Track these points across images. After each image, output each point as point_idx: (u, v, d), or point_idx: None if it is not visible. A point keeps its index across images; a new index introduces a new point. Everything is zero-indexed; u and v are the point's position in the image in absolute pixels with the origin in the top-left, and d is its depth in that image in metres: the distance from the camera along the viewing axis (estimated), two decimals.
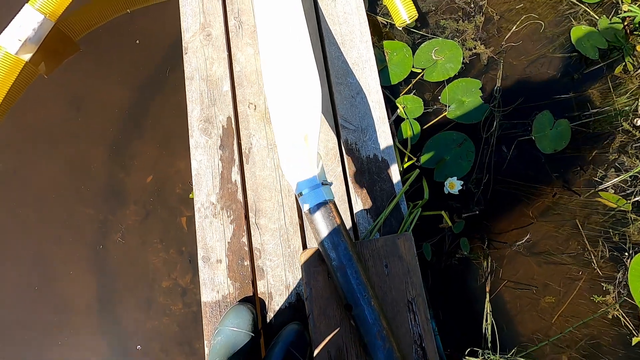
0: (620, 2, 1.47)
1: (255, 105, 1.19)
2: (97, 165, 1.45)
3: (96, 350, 1.30)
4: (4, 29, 1.25)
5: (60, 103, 1.51)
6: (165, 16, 1.53)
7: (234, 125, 1.18)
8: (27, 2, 1.29)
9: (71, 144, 1.47)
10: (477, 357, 1.10)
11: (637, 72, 1.41)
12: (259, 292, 1.06)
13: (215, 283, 1.06)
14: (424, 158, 1.31)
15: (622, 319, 1.21)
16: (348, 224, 1.10)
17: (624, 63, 1.42)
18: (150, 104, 1.49)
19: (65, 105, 1.51)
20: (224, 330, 0.96)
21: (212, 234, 1.09)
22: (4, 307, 1.34)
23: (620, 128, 1.37)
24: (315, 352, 0.77)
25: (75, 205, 1.42)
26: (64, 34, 1.41)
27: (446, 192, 1.26)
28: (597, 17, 1.46)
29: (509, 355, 1.00)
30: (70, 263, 1.37)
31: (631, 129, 1.36)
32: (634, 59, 1.43)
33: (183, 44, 1.26)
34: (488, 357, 1.04)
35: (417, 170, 1.19)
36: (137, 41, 1.54)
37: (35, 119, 1.50)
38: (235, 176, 1.13)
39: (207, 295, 1.05)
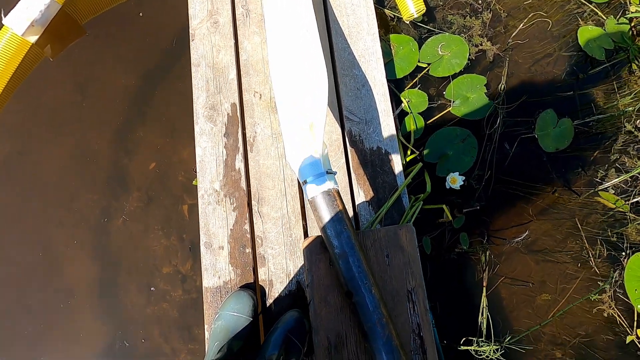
0: (628, 3, 1.47)
1: (260, 94, 1.19)
2: (101, 150, 1.45)
3: (96, 334, 1.31)
4: (10, 10, 1.25)
5: (65, 87, 1.51)
6: (172, 2, 1.52)
7: (239, 114, 1.18)
8: None
9: (76, 128, 1.47)
10: (471, 345, 1.11)
11: None
12: (259, 279, 1.07)
13: (216, 269, 1.07)
14: (426, 152, 1.32)
15: (617, 317, 1.22)
16: (350, 214, 1.11)
17: (629, 64, 1.42)
18: (154, 92, 1.49)
19: (71, 90, 1.51)
20: (225, 314, 0.97)
21: (215, 221, 1.10)
22: (6, 287, 1.36)
23: (622, 129, 1.37)
24: (316, 338, 0.78)
25: (78, 190, 1.42)
26: (71, 17, 1.41)
27: (448, 187, 1.27)
28: (605, 17, 1.46)
29: (502, 342, 1.02)
30: (72, 246, 1.38)
31: (634, 130, 1.36)
32: (639, 60, 1.43)
33: (190, 31, 1.26)
34: (482, 345, 1.06)
35: (420, 164, 1.19)
36: (141, 13, 1.53)
37: (41, 103, 1.50)
38: (239, 164, 1.14)
39: (209, 280, 1.06)
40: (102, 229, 1.39)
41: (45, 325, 1.32)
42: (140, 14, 1.54)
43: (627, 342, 1.20)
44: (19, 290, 1.35)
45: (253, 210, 1.11)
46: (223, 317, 0.97)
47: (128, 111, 1.48)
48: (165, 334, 1.32)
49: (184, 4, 1.31)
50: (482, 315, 1.21)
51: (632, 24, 1.44)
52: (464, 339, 1.15)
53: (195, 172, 1.19)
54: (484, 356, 1.11)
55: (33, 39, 1.31)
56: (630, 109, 1.35)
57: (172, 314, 1.33)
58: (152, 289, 1.33)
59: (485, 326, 1.20)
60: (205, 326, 1.04)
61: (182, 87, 1.45)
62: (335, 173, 0.81)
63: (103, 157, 1.45)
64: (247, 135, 1.17)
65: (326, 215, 0.76)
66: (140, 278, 1.36)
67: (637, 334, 1.19)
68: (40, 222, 1.40)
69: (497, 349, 1.06)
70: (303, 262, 1.05)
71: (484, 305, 1.22)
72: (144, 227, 1.40)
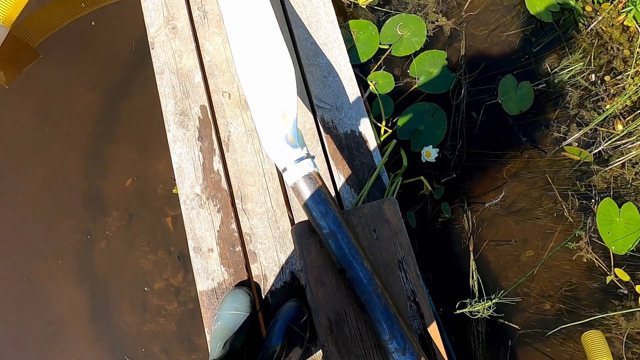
0: None
1: (229, 94, 1.19)
2: (72, 174, 1.41)
3: None
4: None
5: (26, 114, 1.46)
6: (127, 14, 1.49)
7: (210, 116, 1.18)
8: None
9: (43, 155, 1.43)
10: (465, 308, 1.16)
11: (587, 31, 1.50)
12: (253, 275, 1.07)
13: (209, 272, 1.07)
14: (399, 130, 1.35)
15: (595, 261, 1.30)
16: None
17: (575, 23, 1.50)
18: (119, 106, 1.46)
19: (32, 116, 1.46)
20: (223, 314, 0.97)
21: (201, 225, 1.10)
22: None
23: (577, 85, 1.45)
24: (316, 319, 0.79)
25: (55, 218, 1.38)
26: (21, 40, 1.36)
27: (424, 160, 1.31)
28: None
29: (494, 298, 1.07)
30: (57, 277, 1.34)
31: (587, 85, 1.45)
32: (584, 19, 1.51)
33: (149, 39, 1.24)
34: (475, 305, 1.10)
35: (394, 141, 1.23)
36: (93, 22, 1.50)
37: (2, 134, 1.44)
38: (217, 165, 1.14)
39: (203, 284, 1.06)
40: (85, 254, 1.36)
41: (41, 358, 1.28)
42: (93, 23, 1.50)
43: (607, 282, 1.28)
44: (7, 329, 1.30)
45: (237, 209, 1.11)
46: (222, 317, 0.97)
47: (95, 130, 1.45)
48: (167, 349, 1.31)
49: (138, 12, 1.29)
50: (473, 278, 1.26)
51: None
52: (458, 302, 1.20)
53: (174, 180, 1.18)
54: (478, 315, 1.15)
55: None
56: (581, 64, 1.43)
57: (171, 328, 1.32)
58: (145, 289, 1.31)
59: (477, 289, 1.25)
60: (206, 329, 1.04)
61: (147, 97, 1.42)
62: (313, 157, 0.82)
63: (76, 181, 1.41)
64: (221, 135, 1.16)
65: (310, 199, 0.78)
66: (132, 297, 1.33)
67: (615, 274, 1.27)
68: (20, 257, 1.35)
69: (489, 307, 1.10)
70: (293, 251, 1.06)
71: (473, 269, 1.27)
72: (129, 245, 1.37)
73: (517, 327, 1.24)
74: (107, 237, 1.37)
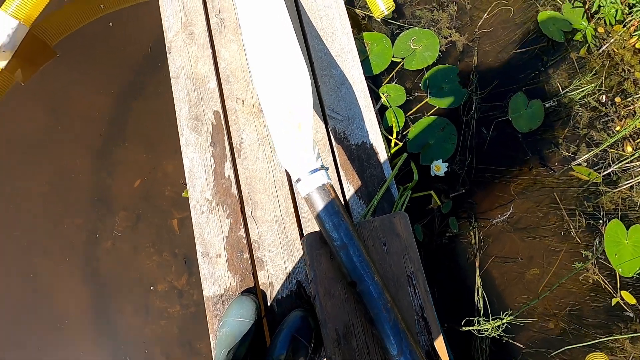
0: None
1: (243, 100, 1.20)
2: (82, 173, 1.42)
3: None
4: None
5: (39, 112, 1.47)
6: (144, 18, 1.52)
7: (223, 122, 1.19)
8: None
9: (53, 154, 1.44)
10: (472, 325, 1.15)
11: (599, 52, 1.51)
12: (260, 282, 1.07)
13: (216, 277, 1.07)
14: (409, 143, 1.36)
15: (602, 282, 1.29)
16: None
17: (587, 44, 1.51)
18: (132, 108, 1.48)
19: (45, 114, 1.47)
20: (229, 321, 0.97)
21: (210, 230, 1.10)
22: None
23: (588, 105, 1.46)
24: (324, 330, 0.79)
25: (62, 216, 1.39)
26: (40, 39, 1.38)
27: (432, 174, 1.31)
28: (561, 2, 1.55)
29: (503, 318, 1.06)
30: (62, 275, 1.35)
31: (598, 105, 1.45)
32: (596, 40, 1.53)
33: (166, 44, 1.26)
34: (484, 323, 1.10)
35: (405, 154, 1.23)
36: (110, 24, 1.52)
37: (15, 131, 1.46)
38: (228, 171, 1.15)
39: (209, 289, 1.06)
40: (90, 254, 1.36)
41: (41, 356, 1.27)
42: (110, 24, 1.52)
43: (612, 304, 1.27)
44: (9, 326, 1.30)
45: (247, 216, 1.11)
46: (227, 324, 0.97)
47: (106, 130, 1.46)
48: (167, 352, 1.30)
49: (154, 15, 1.31)
50: (478, 295, 1.26)
51: (586, 7, 1.54)
52: (464, 320, 1.19)
53: (184, 183, 1.19)
54: (485, 334, 1.15)
55: (2, 64, 1.28)
56: (592, 85, 1.44)
57: (172, 331, 1.31)
58: (151, 287, 1.32)
59: (482, 305, 1.24)
60: (210, 335, 1.03)
61: (160, 100, 1.44)
62: (327, 168, 0.83)
63: (85, 180, 1.42)
64: (233, 142, 1.17)
65: (323, 210, 0.78)
66: (135, 298, 1.33)
67: (621, 296, 1.27)
68: (25, 254, 1.36)
69: (498, 326, 1.10)
70: (302, 261, 1.06)
71: (479, 285, 1.27)
72: (134, 246, 1.37)
73: (521, 345, 1.23)
74: (113, 237, 1.37)
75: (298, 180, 0.81)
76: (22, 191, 1.41)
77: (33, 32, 1.33)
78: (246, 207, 1.12)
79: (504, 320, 1.02)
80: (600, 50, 1.51)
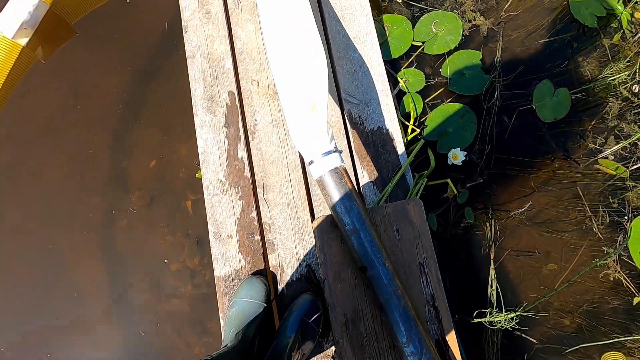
0: None
1: (258, 82, 1.19)
2: (99, 153, 1.45)
3: (110, 335, 1.32)
4: None
5: (58, 91, 1.49)
6: None
7: (237, 103, 1.18)
8: None
9: (72, 132, 1.46)
10: (484, 317, 1.13)
11: (634, 39, 1.42)
12: (270, 265, 1.07)
13: (227, 258, 1.07)
14: (427, 130, 1.32)
15: (623, 280, 1.24)
16: None
17: (622, 30, 1.42)
18: (148, 89, 1.48)
19: (64, 94, 1.49)
20: (239, 301, 0.98)
21: (222, 211, 1.10)
22: (18, 298, 1.35)
23: (619, 95, 1.38)
24: (332, 315, 0.79)
25: (80, 194, 1.42)
26: (60, 17, 1.39)
27: (450, 163, 1.27)
28: None
29: (517, 310, 1.03)
30: (79, 251, 1.38)
31: (630, 96, 1.37)
32: (632, 25, 1.44)
33: (182, 23, 1.25)
34: (496, 315, 1.07)
35: (422, 141, 1.20)
36: (128, 0, 1.52)
37: (35, 110, 1.49)
38: (242, 153, 1.14)
39: (220, 269, 1.07)
40: (107, 231, 1.39)
41: (58, 331, 1.32)
42: (128, 1, 1.52)
43: (634, 303, 1.22)
44: (29, 299, 1.35)
45: (259, 198, 1.11)
46: (237, 304, 0.98)
47: (123, 111, 1.47)
48: (179, 330, 1.33)
49: None
50: (492, 287, 1.23)
51: None
52: (476, 311, 1.17)
53: (198, 164, 1.19)
54: (498, 326, 1.12)
55: (23, 41, 1.29)
56: (625, 74, 1.36)
57: (184, 309, 1.34)
58: (165, 260, 1.35)
59: (495, 298, 1.22)
60: (220, 314, 1.05)
61: (177, 81, 1.44)
62: (341, 151, 0.81)
63: (102, 160, 1.44)
64: (247, 123, 1.16)
65: (335, 193, 0.77)
66: (149, 276, 1.36)
67: None
68: (45, 229, 1.40)
69: (512, 318, 1.07)
70: (313, 244, 1.06)
71: (493, 277, 1.24)
72: (149, 225, 1.40)
73: (533, 340, 1.20)
74: (128, 216, 1.39)
75: (311, 162, 0.80)
76: (44, 167, 1.45)
77: (53, 10, 1.33)
78: (258, 190, 1.12)
79: (517, 312, 0.99)
80: (636, 37, 1.42)
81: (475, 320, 1.14)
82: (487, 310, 1.13)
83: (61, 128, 1.47)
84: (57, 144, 1.46)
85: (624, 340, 1.19)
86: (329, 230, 0.83)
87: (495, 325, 1.12)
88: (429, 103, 1.36)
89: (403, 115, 1.32)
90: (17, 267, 1.38)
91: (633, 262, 1.24)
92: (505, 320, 1.06)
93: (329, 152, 0.78)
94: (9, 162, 1.45)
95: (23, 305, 1.35)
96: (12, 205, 1.42)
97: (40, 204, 1.42)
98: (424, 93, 1.37)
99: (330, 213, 0.83)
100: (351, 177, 1.10)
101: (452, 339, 0.80)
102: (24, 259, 1.38)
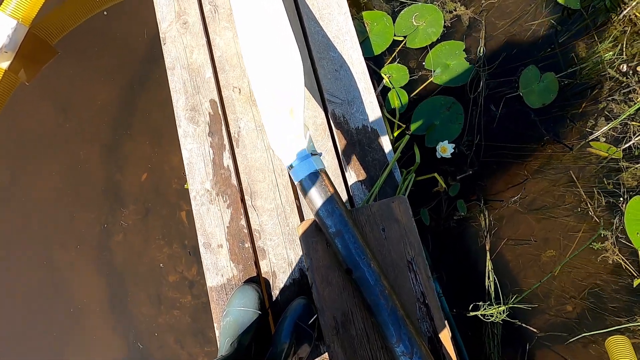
0: None
1: (239, 89, 1.18)
2: (92, 168, 1.45)
3: (112, 349, 1.32)
4: None
5: (46, 110, 1.50)
6: (141, 9, 1.50)
7: (220, 111, 1.17)
8: None
9: (64, 149, 1.47)
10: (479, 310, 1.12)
11: (619, 18, 1.40)
12: (262, 271, 1.07)
13: (218, 267, 1.07)
14: (413, 125, 1.31)
15: (622, 262, 1.23)
16: (344, 196, 1.11)
17: (606, 10, 1.40)
18: (136, 102, 1.48)
19: (53, 112, 1.50)
20: (232, 310, 0.97)
21: (211, 220, 1.10)
22: (18, 316, 1.36)
23: (607, 75, 1.36)
24: (322, 319, 0.78)
25: (75, 210, 1.42)
26: (40, 38, 1.39)
27: (439, 156, 1.26)
28: None
29: (509, 302, 1.02)
30: (77, 267, 1.39)
31: (618, 76, 1.36)
32: (616, 4, 1.41)
33: (160, 35, 1.25)
34: (489, 308, 1.06)
35: (407, 137, 1.19)
36: (105, 12, 1.52)
37: (25, 130, 1.50)
38: (227, 161, 1.14)
39: (212, 280, 1.07)
40: (103, 246, 1.40)
41: (59, 348, 1.32)
42: (105, 13, 1.52)
43: (634, 285, 1.21)
44: (29, 315, 1.36)
45: (247, 205, 1.11)
46: (231, 313, 0.97)
47: (112, 125, 1.48)
48: (181, 341, 1.33)
49: (151, 9, 1.30)
50: (489, 279, 1.22)
51: None
52: (471, 305, 1.16)
53: (185, 175, 1.19)
54: (491, 319, 1.11)
55: (5, 64, 1.30)
56: (611, 53, 1.34)
57: (185, 320, 1.34)
58: (160, 265, 1.35)
59: (493, 290, 1.20)
60: (215, 325, 1.04)
61: (163, 91, 1.44)
62: (320, 154, 0.80)
63: (95, 175, 1.45)
64: (231, 131, 1.16)
65: (316, 197, 0.76)
66: (148, 289, 1.36)
67: None
68: (41, 246, 1.41)
69: (502, 311, 1.06)
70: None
71: (489, 269, 1.23)
72: (145, 238, 1.40)
73: (535, 330, 1.19)
74: (124, 230, 1.40)
75: (290, 167, 0.79)
76: (36, 186, 1.45)
77: (33, 32, 1.34)
78: (246, 197, 1.11)
79: (507, 305, 0.98)
80: (621, 15, 1.40)
81: (470, 314, 1.13)
82: (481, 304, 1.12)
83: (51, 146, 1.48)
84: (49, 162, 1.47)
85: (626, 323, 1.17)
86: (314, 234, 0.82)
87: (489, 319, 1.11)
88: (415, 97, 1.35)
89: (389, 112, 1.31)
90: (13, 286, 1.38)
91: (631, 243, 1.23)
92: (497, 312, 1.05)
93: (307, 156, 0.78)
94: (2, 181, 1.46)
95: (21, 320, 1.35)
96: (5, 224, 1.42)
97: (35, 222, 1.43)
98: (409, 88, 1.36)
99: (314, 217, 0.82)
100: (336, 179, 1.09)
101: (445, 335, 0.80)
102: (23, 278, 1.39)
